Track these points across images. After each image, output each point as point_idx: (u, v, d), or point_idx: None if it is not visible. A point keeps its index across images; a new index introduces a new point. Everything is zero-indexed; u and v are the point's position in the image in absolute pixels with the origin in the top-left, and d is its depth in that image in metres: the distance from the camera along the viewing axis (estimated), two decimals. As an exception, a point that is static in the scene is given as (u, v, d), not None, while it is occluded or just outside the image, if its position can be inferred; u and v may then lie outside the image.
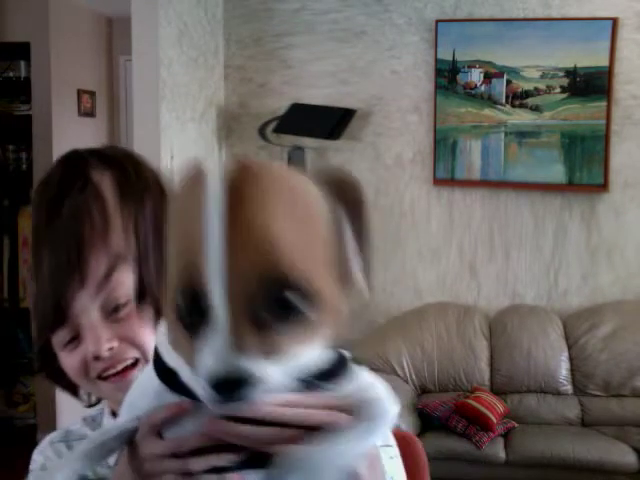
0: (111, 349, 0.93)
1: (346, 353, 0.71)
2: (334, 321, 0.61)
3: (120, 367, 0.94)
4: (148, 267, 0.94)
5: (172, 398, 0.67)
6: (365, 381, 0.70)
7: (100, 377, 0.95)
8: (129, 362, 0.94)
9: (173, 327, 0.61)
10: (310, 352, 0.62)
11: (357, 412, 0.67)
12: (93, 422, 1.09)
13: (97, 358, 0.93)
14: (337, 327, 0.62)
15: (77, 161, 0.99)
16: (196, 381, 0.59)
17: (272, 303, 0.55)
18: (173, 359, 0.66)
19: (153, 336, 0.91)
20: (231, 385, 0.56)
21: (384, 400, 0.69)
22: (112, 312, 0.94)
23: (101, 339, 0.93)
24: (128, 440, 0.73)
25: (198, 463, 0.66)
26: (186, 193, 0.56)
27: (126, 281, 0.94)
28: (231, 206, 0.52)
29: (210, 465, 0.65)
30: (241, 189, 0.53)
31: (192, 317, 0.57)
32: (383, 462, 0.81)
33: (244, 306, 0.54)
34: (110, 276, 0.92)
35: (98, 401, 1.05)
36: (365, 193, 0.61)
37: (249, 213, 0.51)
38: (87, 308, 0.93)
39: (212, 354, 0.56)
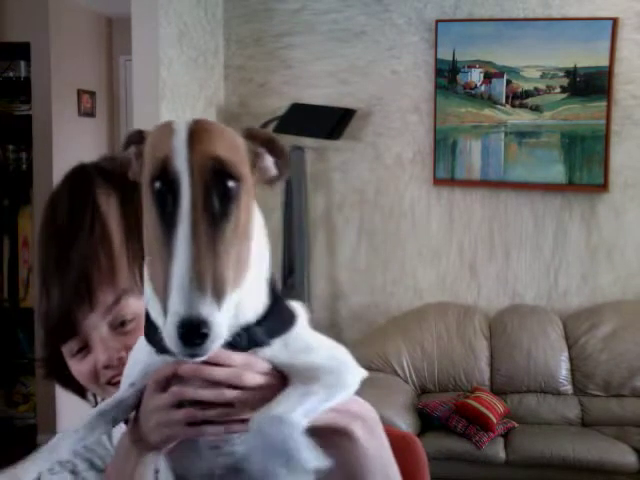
0: (120, 359, 0.99)
1: (279, 294, 0.84)
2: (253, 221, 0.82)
3: None
4: None
5: (158, 358, 0.79)
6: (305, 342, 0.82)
7: (109, 383, 1.01)
8: None
9: (151, 239, 0.74)
10: (249, 291, 0.77)
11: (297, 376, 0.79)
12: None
13: (107, 367, 1.00)
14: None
15: (84, 185, 1.03)
16: (165, 333, 0.70)
17: (220, 186, 0.74)
18: (155, 313, 0.78)
19: None
20: (194, 334, 0.67)
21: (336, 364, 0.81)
22: (119, 326, 1.01)
23: (111, 350, 0.99)
24: (127, 408, 0.83)
25: (201, 412, 0.77)
26: (159, 129, 0.76)
27: (132, 304, 1.00)
28: (190, 135, 0.74)
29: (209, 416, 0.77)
30: (196, 126, 0.75)
31: (166, 199, 0.72)
32: None
33: (202, 194, 0.72)
34: (117, 304, 0.99)
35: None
36: (274, 137, 0.83)
37: (202, 138, 0.74)
38: (96, 326, 0.99)
39: (178, 294, 0.68)
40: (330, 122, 4.32)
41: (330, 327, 4.64)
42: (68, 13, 4.93)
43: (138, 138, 0.79)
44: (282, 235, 4.50)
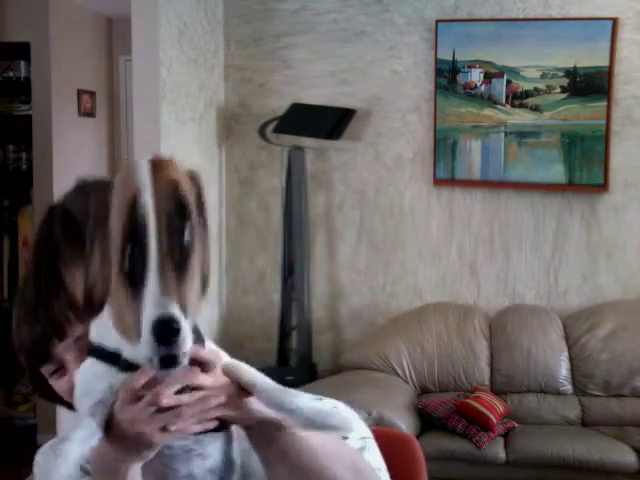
0: None
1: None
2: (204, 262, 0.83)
3: None
4: None
5: (120, 375, 0.85)
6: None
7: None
8: None
9: (115, 294, 0.80)
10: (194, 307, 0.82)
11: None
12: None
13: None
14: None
15: (49, 252, 1.05)
16: (139, 345, 0.77)
17: (181, 215, 0.79)
18: (113, 341, 0.85)
19: None
20: (167, 329, 0.74)
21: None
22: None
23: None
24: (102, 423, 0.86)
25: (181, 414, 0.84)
26: (122, 174, 0.81)
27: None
28: (153, 170, 0.80)
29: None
30: (157, 163, 0.81)
31: (133, 252, 0.77)
32: (369, 453, 1.01)
33: (166, 225, 0.77)
34: (87, 334, 0.99)
35: None
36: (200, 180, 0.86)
37: (164, 172, 0.80)
38: (68, 350, 1.04)
39: (150, 298, 0.75)
40: (330, 122, 4.32)
41: (330, 327, 4.65)
42: (68, 13, 4.93)
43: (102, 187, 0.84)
44: (282, 235, 4.51)
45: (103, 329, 0.86)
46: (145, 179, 0.79)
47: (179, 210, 0.78)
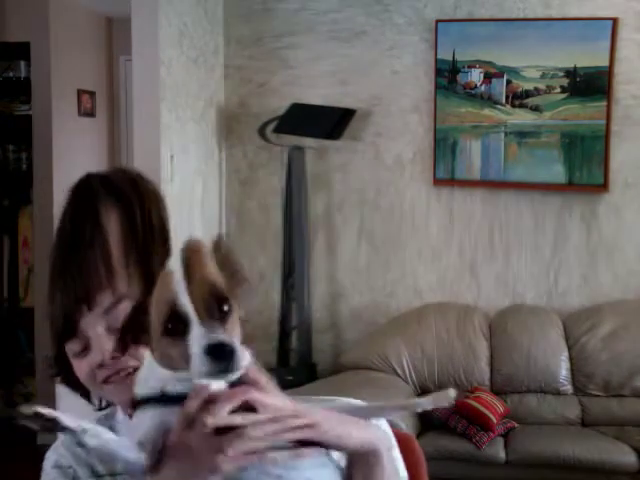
0: (114, 358, 1.04)
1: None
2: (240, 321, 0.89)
3: (123, 374, 1.04)
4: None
5: (171, 410, 0.87)
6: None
7: (105, 382, 1.05)
8: (130, 370, 1.04)
9: (160, 345, 0.87)
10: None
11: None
12: (106, 419, 1.14)
13: (101, 366, 1.04)
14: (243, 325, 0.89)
15: (86, 198, 1.08)
16: (190, 370, 0.83)
17: (216, 305, 0.85)
18: (157, 380, 0.89)
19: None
20: (222, 349, 0.81)
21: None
22: (116, 330, 1.03)
23: (105, 349, 1.03)
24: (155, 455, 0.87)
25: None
26: (159, 286, 0.88)
27: (127, 310, 1.04)
28: (185, 274, 0.86)
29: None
30: (189, 259, 0.87)
31: (176, 326, 0.84)
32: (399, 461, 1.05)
33: (205, 310, 0.84)
34: (115, 307, 1.04)
35: (107, 406, 1.14)
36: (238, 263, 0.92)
37: (196, 272, 0.86)
38: (93, 325, 1.04)
39: (197, 339, 0.82)
40: (330, 122, 4.32)
41: (330, 327, 4.65)
42: (68, 13, 4.93)
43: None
44: (282, 235, 4.50)
45: (144, 382, 0.91)
46: (180, 287, 0.85)
47: (214, 297, 0.85)
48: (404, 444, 1.16)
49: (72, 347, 1.06)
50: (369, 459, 0.94)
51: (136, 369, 1.01)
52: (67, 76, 4.90)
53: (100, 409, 1.14)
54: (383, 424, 1.10)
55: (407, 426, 3.55)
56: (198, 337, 0.82)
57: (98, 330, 1.04)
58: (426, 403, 0.98)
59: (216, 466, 0.82)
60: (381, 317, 4.50)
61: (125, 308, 1.02)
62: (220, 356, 0.81)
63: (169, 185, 4.03)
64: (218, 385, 0.85)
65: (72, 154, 4.91)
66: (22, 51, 4.73)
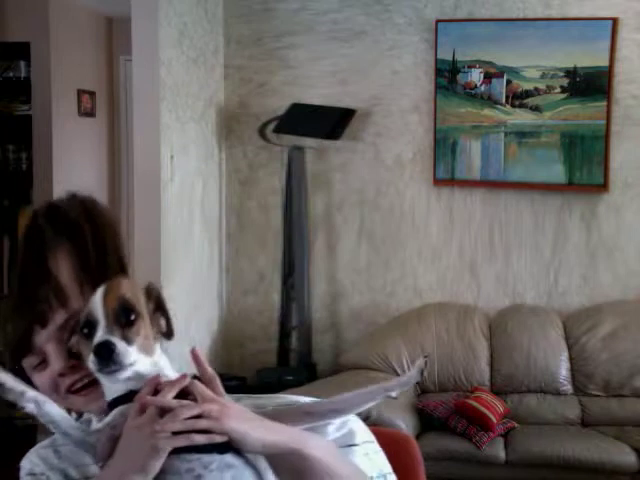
0: (73, 366, 1.06)
1: None
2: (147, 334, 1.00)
3: (86, 380, 1.07)
4: None
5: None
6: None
7: (70, 391, 1.08)
8: (93, 376, 1.03)
9: (81, 347, 1.00)
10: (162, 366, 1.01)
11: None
12: (83, 425, 1.12)
13: (62, 375, 1.07)
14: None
15: (36, 238, 1.13)
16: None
17: (123, 313, 0.98)
18: (123, 382, 0.99)
19: None
20: (105, 348, 0.94)
21: None
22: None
23: (62, 357, 1.06)
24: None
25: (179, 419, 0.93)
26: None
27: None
28: (107, 288, 1.01)
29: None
30: (111, 283, 1.02)
31: (89, 330, 0.97)
32: (371, 456, 1.08)
33: (111, 316, 0.97)
34: (67, 324, 1.06)
35: (79, 416, 1.14)
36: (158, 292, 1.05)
37: (114, 290, 1.00)
38: (49, 339, 1.07)
39: (95, 340, 0.95)
40: (330, 122, 4.32)
41: (330, 327, 4.65)
42: (68, 13, 4.93)
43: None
44: (282, 235, 4.50)
45: (110, 388, 1.01)
46: (97, 299, 0.99)
47: (122, 307, 0.98)
48: (402, 444, 1.17)
49: (29, 362, 1.09)
50: (293, 462, 0.97)
51: None
52: (67, 76, 4.90)
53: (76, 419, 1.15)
54: (351, 422, 1.12)
55: (407, 426, 3.55)
56: (96, 339, 0.95)
57: (52, 343, 1.07)
58: (397, 384, 1.04)
59: (156, 444, 0.91)
60: (381, 317, 4.50)
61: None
62: (102, 354, 0.93)
63: (169, 185, 4.03)
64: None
65: (72, 154, 4.91)
66: (22, 51, 4.73)
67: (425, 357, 1.04)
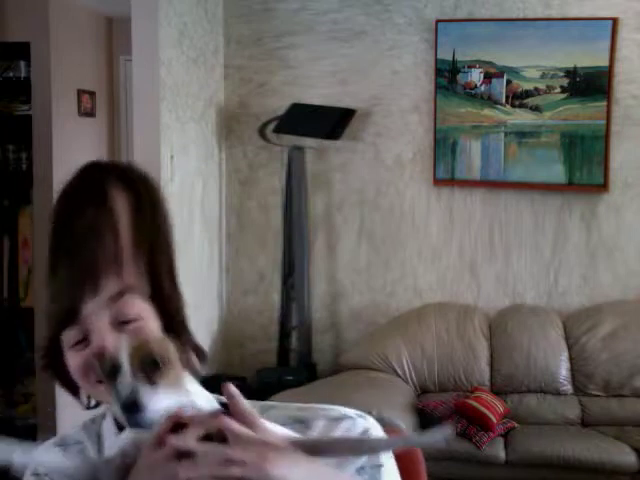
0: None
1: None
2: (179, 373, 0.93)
3: None
4: (165, 304, 1.04)
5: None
6: None
7: (100, 381, 0.98)
8: None
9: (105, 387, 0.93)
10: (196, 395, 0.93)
11: None
12: (93, 424, 1.10)
13: (99, 355, 0.98)
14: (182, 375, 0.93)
15: (96, 177, 1.03)
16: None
17: (149, 360, 0.90)
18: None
19: None
20: (134, 405, 0.86)
21: None
22: (120, 324, 1.00)
23: (106, 340, 0.98)
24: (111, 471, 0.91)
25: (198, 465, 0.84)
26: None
27: (136, 305, 1.01)
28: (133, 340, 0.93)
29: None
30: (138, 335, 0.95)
31: (113, 375, 0.89)
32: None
33: (136, 364, 0.89)
34: (120, 297, 0.99)
35: (96, 405, 1.08)
36: None
37: (141, 342, 0.93)
38: (97, 315, 0.98)
39: (120, 391, 0.88)
40: (330, 122, 4.32)
41: (330, 327, 4.65)
42: (68, 13, 4.93)
43: None
44: (282, 235, 4.50)
45: None
46: (123, 345, 0.92)
47: (147, 354, 0.90)
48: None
49: (69, 336, 1.00)
50: None
51: None
52: (67, 76, 4.90)
53: (88, 408, 1.09)
54: (384, 459, 1.03)
55: (407, 426, 3.55)
56: (121, 389, 0.88)
57: (102, 321, 0.98)
58: (421, 439, 0.98)
59: None
60: (381, 317, 4.50)
61: (132, 303, 0.99)
62: (131, 410, 0.86)
63: (169, 185, 4.03)
64: (210, 405, 0.91)
65: (72, 154, 4.90)
66: (22, 51, 4.72)
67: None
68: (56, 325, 1.01)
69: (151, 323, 1.02)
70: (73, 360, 1.01)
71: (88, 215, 0.99)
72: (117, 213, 1.00)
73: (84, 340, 1.00)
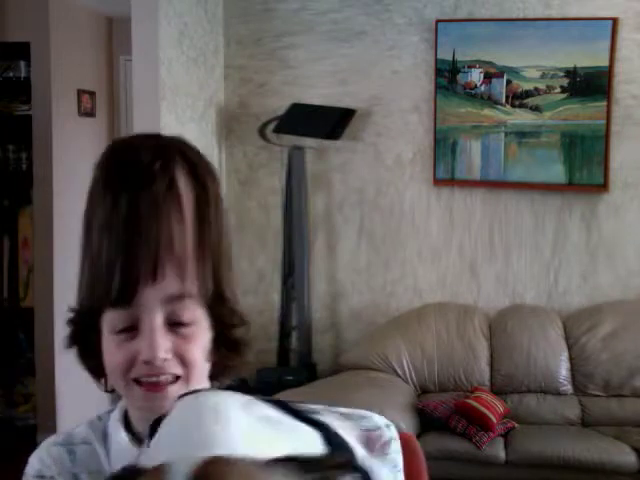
0: (165, 360, 0.90)
1: None
2: None
3: (162, 378, 0.91)
4: (222, 313, 0.96)
5: None
6: None
7: (137, 380, 0.92)
8: (170, 377, 0.92)
9: None
10: None
11: None
12: (99, 421, 1.04)
13: (147, 363, 0.90)
14: None
15: (167, 153, 0.93)
16: None
17: None
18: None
19: (203, 361, 0.94)
20: None
21: None
22: (174, 325, 0.92)
23: (159, 347, 0.89)
24: None
25: None
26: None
27: (193, 310, 0.92)
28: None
29: None
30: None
31: None
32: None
33: None
34: (179, 300, 0.90)
35: (113, 390, 0.99)
36: None
37: None
38: (152, 308, 0.89)
39: None
40: (330, 122, 4.32)
41: (330, 327, 4.65)
42: (68, 13, 4.93)
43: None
44: (282, 235, 4.50)
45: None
46: None
47: None
48: (404, 444, 1.16)
49: (115, 320, 0.90)
50: None
51: (177, 378, 0.92)
52: (67, 76, 4.90)
53: (107, 391, 0.99)
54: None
55: (407, 426, 3.55)
56: None
57: (157, 319, 0.89)
58: None
59: None
60: (381, 317, 4.50)
61: (189, 308, 0.91)
62: None
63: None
64: None
65: (72, 154, 4.90)
66: (22, 51, 4.73)
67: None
68: (102, 297, 0.89)
69: (203, 333, 0.93)
70: (114, 349, 0.91)
71: (155, 191, 0.88)
72: (184, 206, 0.90)
73: (131, 330, 0.90)
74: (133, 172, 0.90)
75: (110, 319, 0.90)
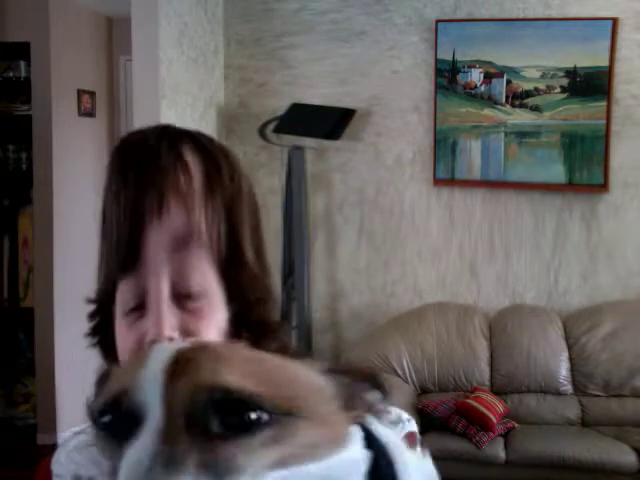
0: (170, 339, 0.83)
1: None
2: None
3: None
4: (242, 279, 0.88)
5: None
6: None
7: None
8: None
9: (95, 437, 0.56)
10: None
11: None
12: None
13: (153, 342, 0.83)
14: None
15: (172, 134, 0.92)
16: None
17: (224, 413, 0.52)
18: None
19: (215, 337, 0.86)
20: None
21: None
22: (182, 298, 0.85)
23: (165, 324, 0.82)
24: None
25: None
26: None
27: (201, 270, 0.85)
28: (175, 361, 0.55)
29: None
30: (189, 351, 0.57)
31: (119, 426, 0.53)
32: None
33: (185, 413, 0.50)
34: (187, 243, 0.84)
35: None
36: None
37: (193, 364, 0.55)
38: (158, 256, 0.83)
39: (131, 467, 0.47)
40: (330, 122, 4.32)
41: (330, 327, 4.65)
42: (68, 13, 4.93)
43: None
44: (282, 235, 4.50)
45: None
46: (151, 385, 0.53)
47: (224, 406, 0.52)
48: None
49: (125, 295, 0.85)
50: None
51: None
52: (67, 76, 4.90)
53: None
54: None
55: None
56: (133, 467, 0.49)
57: (163, 283, 0.83)
58: None
59: None
60: (381, 317, 4.50)
61: (196, 265, 0.84)
62: None
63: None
64: None
65: (72, 154, 4.90)
66: (22, 51, 4.73)
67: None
68: (113, 266, 0.85)
69: (216, 308, 0.86)
70: (126, 333, 0.86)
71: (162, 163, 0.86)
72: (192, 172, 0.86)
73: (139, 308, 0.84)
74: (140, 150, 0.88)
75: (121, 296, 0.85)
